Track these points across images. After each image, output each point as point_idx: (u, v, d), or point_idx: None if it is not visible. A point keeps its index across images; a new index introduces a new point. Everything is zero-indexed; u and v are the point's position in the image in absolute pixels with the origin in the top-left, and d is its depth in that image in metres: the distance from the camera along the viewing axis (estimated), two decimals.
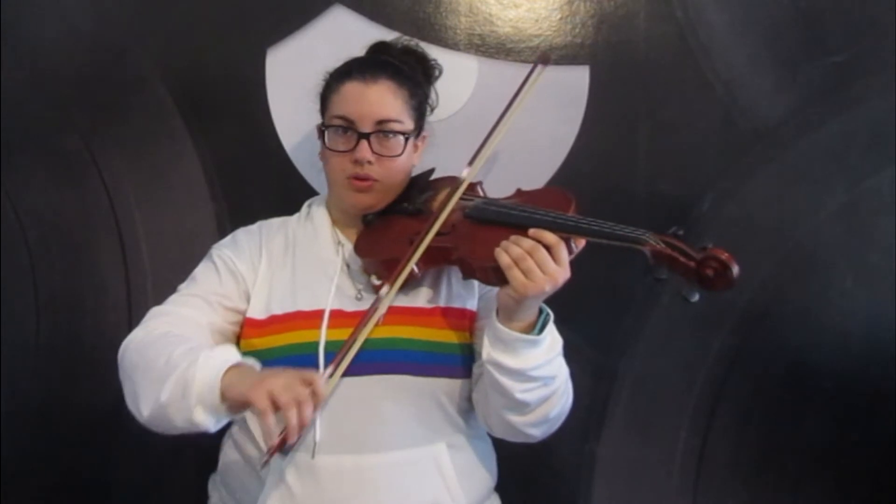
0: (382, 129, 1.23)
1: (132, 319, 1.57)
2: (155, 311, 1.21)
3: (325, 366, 1.14)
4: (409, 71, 1.32)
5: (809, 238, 1.57)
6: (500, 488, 1.30)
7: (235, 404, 1.01)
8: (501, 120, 1.33)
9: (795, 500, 1.59)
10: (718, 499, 1.59)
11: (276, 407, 0.96)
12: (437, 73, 1.41)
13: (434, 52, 1.53)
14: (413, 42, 1.41)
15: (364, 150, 1.21)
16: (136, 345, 1.14)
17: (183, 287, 1.25)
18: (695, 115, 1.57)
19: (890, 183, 1.57)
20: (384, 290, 1.16)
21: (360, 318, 1.15)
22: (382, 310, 1.17)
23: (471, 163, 1.27)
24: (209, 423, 1.03)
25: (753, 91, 1.57)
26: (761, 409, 1.58)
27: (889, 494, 1.57)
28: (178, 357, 1.06)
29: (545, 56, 1.43)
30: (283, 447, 1.02)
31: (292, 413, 0.96)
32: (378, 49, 1.38)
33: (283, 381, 0.98)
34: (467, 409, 1.23)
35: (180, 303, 1.22)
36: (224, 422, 1.06)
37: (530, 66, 1.45)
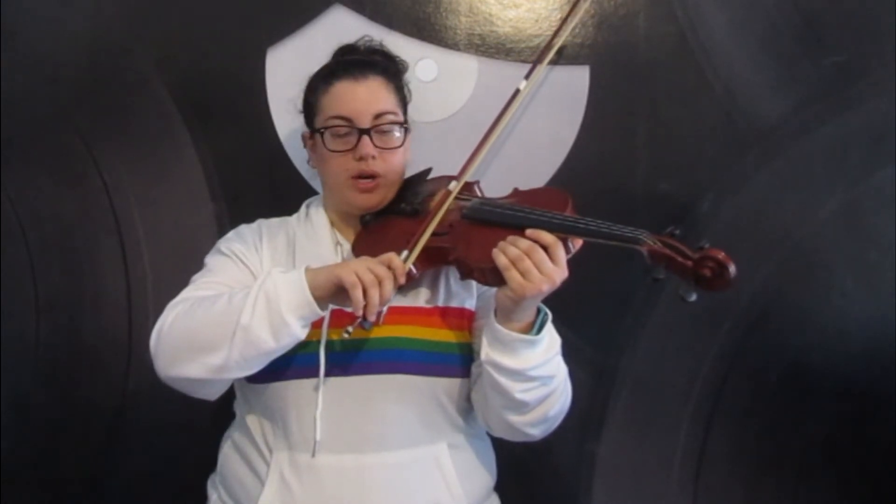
0: (380, 122, 1.23)
1: (132, 319, 1.57)
2: (178, 300, 1.17)
3: (326, 370, 1.15)
4: (388, 66, 1.32)
5: (809, 238, 1.57)
6: (500, 488, 1.30)
7: (325, 291, 1.08)
8: (490, 134, 1.33)
9: (795, 500, 1.59)
10: (718, 499, 1.59)
11: (363, 284, 1.05)
12: (404, 68, 1.40)
13: (434, 52, 1.54)
14: (376, 42, 1.40)
15: (367, 145, 1.21)
16: (175, 318, 1.13)
17: (198, 277, 1.23)
18: (695, 115, 1.57)
19: (890, 183, 1.57)
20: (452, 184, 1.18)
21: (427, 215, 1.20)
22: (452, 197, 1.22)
23: (458, 178, 1.26)
24: (298, 326, 1.08)
25: (753, 91, 1.57)
26: (761, 409, 1.58)
27: (889, 494, 1.57)
28: (237, 295, 1.09)
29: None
30: (364, 321, 1.09)
31: (375, 291, 1.06)
32: (345, 51, 1.37)
33: (365, 263, 1.08)
34: (467, 408, 1.23)
35: (202, 289, 1.19)
36: (306, 332, 1.11)
37: (530, 66, 1.45)
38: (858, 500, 1.59)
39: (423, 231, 1.18)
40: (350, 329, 1.09)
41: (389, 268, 1.09)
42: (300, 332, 1.09)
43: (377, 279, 1.06)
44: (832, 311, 1.58)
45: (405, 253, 1.15)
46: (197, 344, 1.09)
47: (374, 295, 1.06)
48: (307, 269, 1.10)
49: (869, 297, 1.58)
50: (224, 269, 1.23)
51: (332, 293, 1.08)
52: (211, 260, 1.26)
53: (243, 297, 1.09)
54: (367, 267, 1.07)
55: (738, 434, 1.59)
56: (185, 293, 1.19)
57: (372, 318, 1.08)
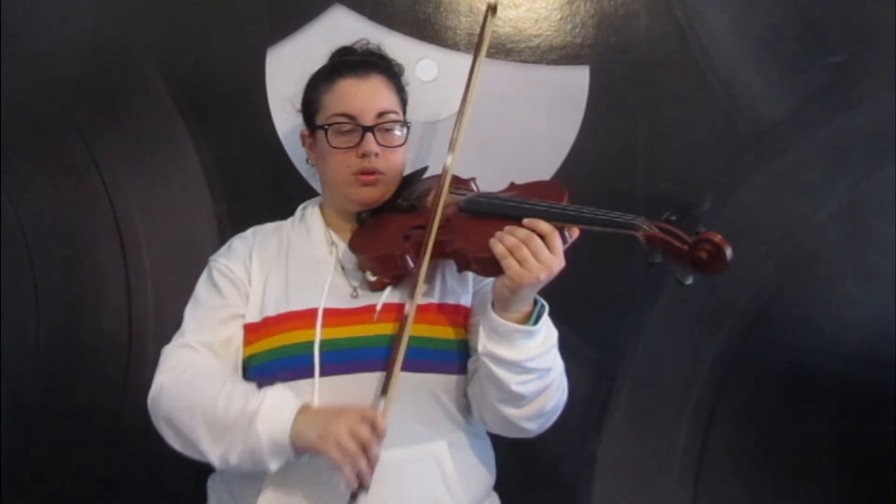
0: (383, 121, 1.24)
1: (132, 319, 1.57)
2: (170, 350, 1.21)
3: (321, 370, 1.15)
4: (388, 67, 1.33)
5: (809, 238, 1.57)
6: (500, 488, 1.30)
7: (308, 451, 1.08)
8: (467, 93, 1.29)
9: (795, 500, 1.59)
10: (718, 498, 1.59)
11: (346, 455, 1.04)
12: (400, 71, 1.39)
13: (434, 52, 1.54)
14: (373, 44, 1.40)
15: (371, 142, 1.22)
16: (168, 394, 1.16)
17: (189, 311, 1.25)
18: (695, 115, 1.57)
19: (890, 183, 1.57)
20: (407, 306, 1.16)
21: (395, 341, 1.15)
22: (408, 327, 1.15)
23: (451, 149, 1.25)
24: (282, 465, 1.10)
25: (753, 91, 1.57)
26: (761, 409, 1.58)
27: (889, 494, 1.57)
28: (226, 409, 1.10)
29: (492, 5, 1.32)
30: (361, 489, 1.07)
31: (362, 461, 1.05)
32: (343, 53, 1.38)
33: (346, 427, 1.05)
34: (467, 405, 1.23)
35: (191, 330, 1.22)
36: None
37: (530, 65, 1.45)
38: (858, 500, 1.59)
39: (429, 231, 1.17)
40: None
41: (373, 426, 1.06)
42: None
43: (362, 447, 1.05)
44: (832, 311, 1.58)
45: (382, 403, 1.11)
46: (189, 442, 1.13)
47: (363, 466, 1.05)
48: (294, 424, 1.08)
49: (869, 297, 1.58)
50: (210, 298, 1.24)
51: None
52: (200, 286, 1.27)
53: (229, 424, 1.09)
54: (349, 433, 1.05)
55: (738, 434, 1.59)
56: (180, 339, 1.21)
57: (368, 483, 1.06)
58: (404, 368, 1.16)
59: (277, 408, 1.10)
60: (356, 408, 1.09)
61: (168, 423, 1.15)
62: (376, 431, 1.06)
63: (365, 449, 1.05)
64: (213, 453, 1.11)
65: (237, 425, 1.09)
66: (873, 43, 1.57)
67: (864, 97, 1.57)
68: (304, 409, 1.10)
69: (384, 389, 1.12)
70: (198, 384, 1.15)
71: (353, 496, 1.07)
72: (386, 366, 1.14)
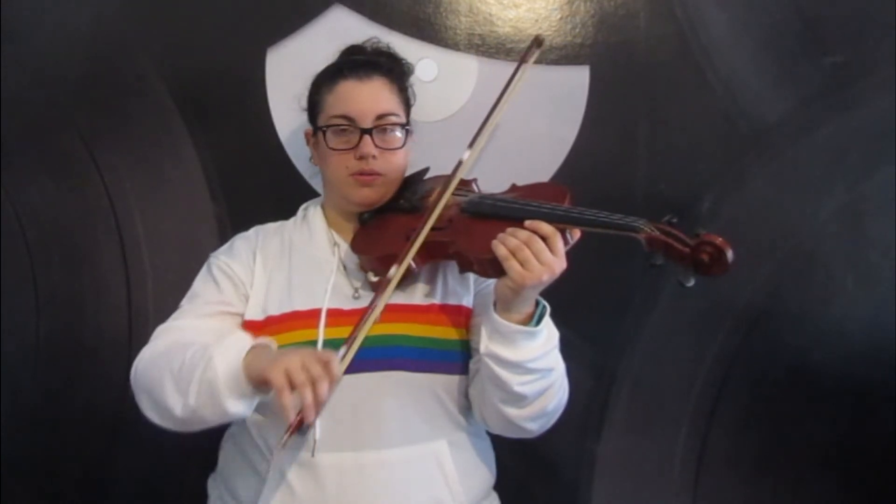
0: (382, 123, 1.24)
1: (132, 319, 1.57)
2: (159, 330, 1.22)
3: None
4: (393, 68, 1.33)
5: (809, 238, 1.57)
6: (499, 487, 1.30)
7: (257, 384, 1.05)
8: (499, 103, 1.30)
9: (795, 500, 1.59)
10: (718, 499, 1.59)
11: (293, 385, 0.99)
12: (409, 70, 1.40)
13: (434, 52, 1.54)
14: (383, 43, 1.41)
15: (368, 145, 1.22)
16: (146, 362, 1.16)
17: (184, 303, 1.26)
18: (695, 115, 1.57)
19: (890, 183, 1.57)
20: (392, 269, 1.16)
21: (368, 305, 1.16)
22: (391, 290, 1.17)
23: (471, 145, 1.25)
24: (242, 409, 1.08)
25: (753, 91, 1.57)
26: (761, 409, 1.58)
27: (889, 494, 1.57)
28: (191, 359, 1.09)
29: (539, 39, 1.36)
30: (300, 427, 1.04)
31: (307, 391, 0.99)
32: (352, 52, 1.39)
33: (299, 359, 1.01)
34: (467, 406, 1.24)
35: (182, 317, 1.23)
36: (255, 403, 1.09)
37: (530, 65, 1.45)
38: (858, 500, 1.59)
39: (423, 225, 1.18)
40: (285, 439, 1.04)
41: (327, 368, 1.01)
42: (246, 411, 1.09)
43: (310, 379, 1.00)
44: (832, 311, 1.58)
45: (343, 349, 1.11)
46: (156, 400, 1.12)
47: (308, 399, 0.99)
48: (251, 351, 1.07)
49: (869, 297, 1.58)
50: (205, 291, 1.25)
51: (265, 386, 1.04)
52: (198, 280, 1.28)
53: (192, 369, 1.07)
54: (301, 365, 1.00)
55: (738, 434, 1.59)
56: (169, 323, 1.22)
57: (309, 420, 1.01)
58: (404, 368, 1.17)
59: (237, 342, 1.09)
60: (314, 349, 1.05)
61: (143, 389, 1.14)
62: (330, 374, 1.01)
63: (313, 384, 0.99)
64: (175, 403, 1.08)
65: (197, 366, 1.07)
66: (873, 43, 1.57)
67: (864, 97, 1.57)
68: (262, 346, 1.09)
69: (349, 344, 1.10)
70: (173, 348, 1.14)
71: (290, 431, 1.02)
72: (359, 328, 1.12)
